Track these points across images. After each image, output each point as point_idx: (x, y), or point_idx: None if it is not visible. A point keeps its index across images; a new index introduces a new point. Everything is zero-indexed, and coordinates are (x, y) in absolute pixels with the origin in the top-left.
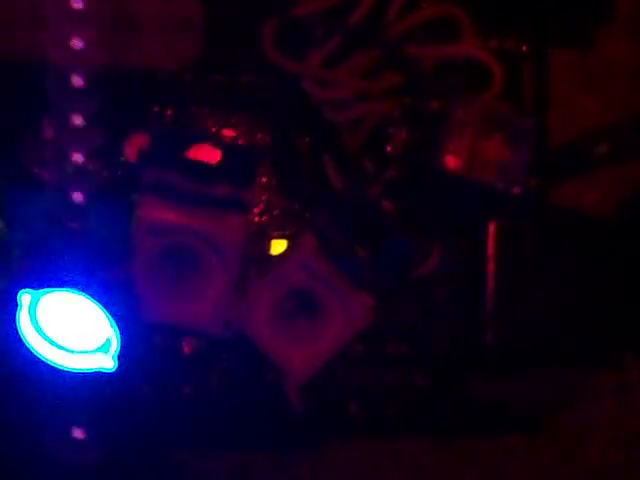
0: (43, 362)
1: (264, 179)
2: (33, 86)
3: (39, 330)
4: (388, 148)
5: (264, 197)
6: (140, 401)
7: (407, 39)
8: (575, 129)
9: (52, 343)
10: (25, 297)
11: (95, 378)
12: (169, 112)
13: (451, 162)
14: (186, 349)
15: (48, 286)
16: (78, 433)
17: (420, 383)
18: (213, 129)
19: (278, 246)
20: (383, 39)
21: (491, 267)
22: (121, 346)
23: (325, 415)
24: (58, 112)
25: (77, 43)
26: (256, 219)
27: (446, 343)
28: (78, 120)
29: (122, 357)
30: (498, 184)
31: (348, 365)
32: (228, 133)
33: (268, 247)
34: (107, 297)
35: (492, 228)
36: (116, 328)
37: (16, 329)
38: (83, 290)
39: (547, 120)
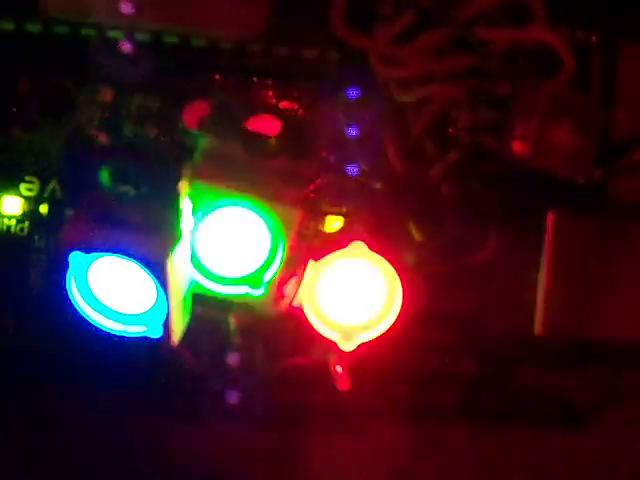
0: (90, 324)
1: (322, 155)
2: (90, 47)
3: (88, 292)
4: (452, 131)
5: (321, 173)
6: (183, 370)
7: (478, 21)
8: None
9: (100, 306)
10: (75, 259)
11: (140, 344)
12: (231, 81)
13: (517, 147)
14: (234, 321)
15: (99, 249)
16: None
17: (467, 370)
18: (274, 101)
19: (332, 223)
20: (453, 19)
21: (547, 257)
22: (168, 314)
23: (369, 396)
24: (114, 74)
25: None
26: (312, 194)
27: (496, 332)
28: (136, 83)
29: (169, 325)
30: (563, 172)
31: (395, 347)
32: (289, 106)
33: (322, 223)
34: (156, 264)
35: (551, 217)
36: (164, 296)
37: (65, 291)
38: (133, 256)
39: (612, 113)
